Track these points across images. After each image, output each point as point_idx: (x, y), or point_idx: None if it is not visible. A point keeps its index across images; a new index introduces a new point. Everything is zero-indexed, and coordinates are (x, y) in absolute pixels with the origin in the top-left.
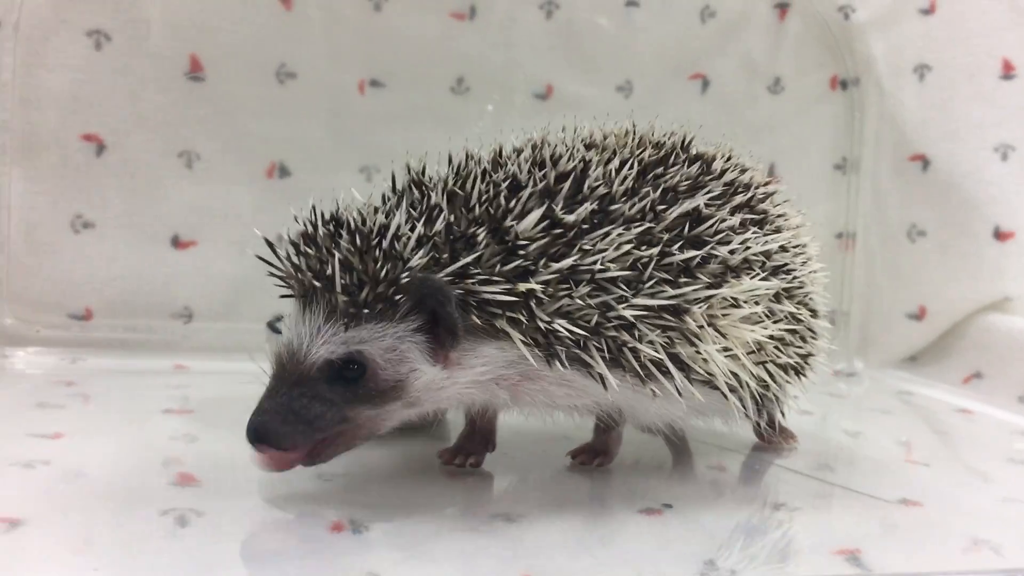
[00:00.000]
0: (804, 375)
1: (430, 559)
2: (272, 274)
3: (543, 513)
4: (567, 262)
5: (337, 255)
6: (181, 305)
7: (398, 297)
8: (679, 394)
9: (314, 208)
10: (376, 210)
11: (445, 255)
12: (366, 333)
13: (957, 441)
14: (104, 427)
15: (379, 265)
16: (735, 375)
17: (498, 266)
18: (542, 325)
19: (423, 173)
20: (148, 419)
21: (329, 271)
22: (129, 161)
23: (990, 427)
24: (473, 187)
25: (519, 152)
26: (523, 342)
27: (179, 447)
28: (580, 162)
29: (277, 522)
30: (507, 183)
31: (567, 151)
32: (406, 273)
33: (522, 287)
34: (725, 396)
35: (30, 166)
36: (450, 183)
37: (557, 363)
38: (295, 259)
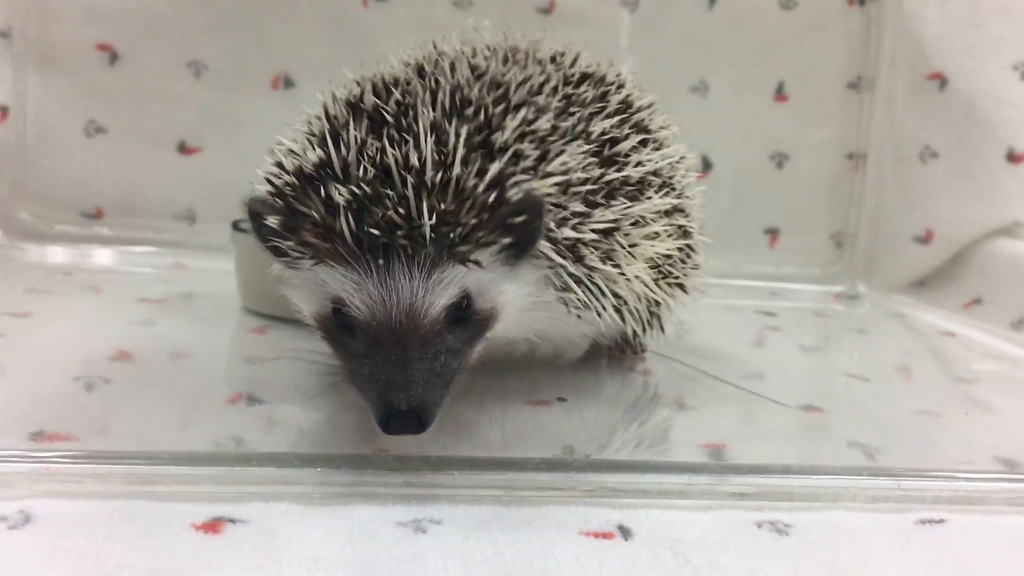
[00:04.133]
0: (687, 291)
1: (481, 438)
2: (323, 253)
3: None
4: (556, 165)
5: (416, 197)
6: (185, 207)
7: (516, 220)
8: (599, 315)
9: (345, 162)
10: (374, 148)
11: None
12: (466, 265)
13: (915, 361)
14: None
15: (471, 190)
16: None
17: (517, 173)
18: (559, 235)
19: (361, 99)
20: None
21: (417, 214)
22: (140, 70)
23: (961, 350)
24: (451, 101)
25: (441, 61)
26: (553, 250)
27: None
28: (513, 77)
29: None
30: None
31: (496, 64)
32: (514, 192)
33: (547, 184)
34: (623, 319)
35: (47, 73)
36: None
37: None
38: (356, 222)
